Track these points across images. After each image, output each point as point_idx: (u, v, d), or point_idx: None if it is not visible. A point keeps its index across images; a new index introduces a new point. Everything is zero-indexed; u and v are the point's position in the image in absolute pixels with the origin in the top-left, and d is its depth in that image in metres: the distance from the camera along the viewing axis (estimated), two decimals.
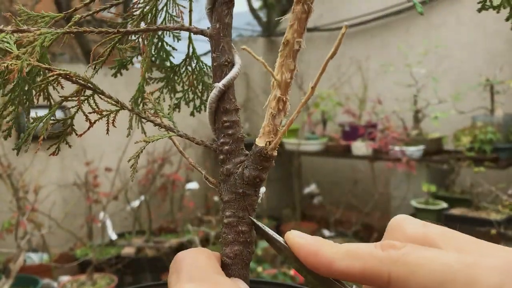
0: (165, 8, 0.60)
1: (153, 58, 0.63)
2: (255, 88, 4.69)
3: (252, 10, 5.28)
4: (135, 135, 0.57)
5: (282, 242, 0.37)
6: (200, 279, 0.32)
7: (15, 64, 0.48)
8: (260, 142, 0.42)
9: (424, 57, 3.56)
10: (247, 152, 0.45)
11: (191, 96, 0.65)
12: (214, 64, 0.46)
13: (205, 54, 2.77)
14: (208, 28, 0.49)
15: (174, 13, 0.62)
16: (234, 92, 0.48)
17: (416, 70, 3.48)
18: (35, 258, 3.15)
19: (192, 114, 0.65)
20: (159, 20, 0.61)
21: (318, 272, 0.32)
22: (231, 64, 0.46)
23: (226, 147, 0.45)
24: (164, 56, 0.63)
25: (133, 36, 0.63)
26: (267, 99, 0.42)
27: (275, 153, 0.42)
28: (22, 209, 2.64)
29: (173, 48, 0.64)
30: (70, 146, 0.57)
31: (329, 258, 0.31)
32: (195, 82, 0.64)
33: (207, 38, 0.48)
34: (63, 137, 0.59)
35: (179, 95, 0.66)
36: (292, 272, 2.79)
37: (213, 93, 0.45)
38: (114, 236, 3.35)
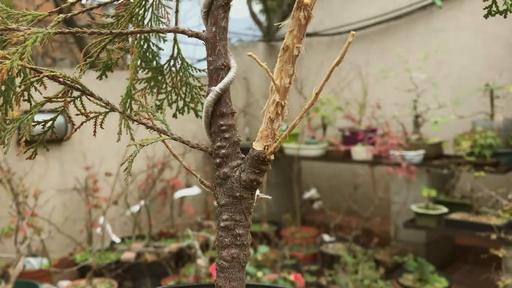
0: (151, 9, 0.59)
1: (139, 60, 0.62)
2: (255, 93, 4.69)
3: (253, 15, 5.29)
4: (135, 138, 0.56)
5: None
6: None
7: (4, 64, 0.45)
8: (257, 146, 0.42)
9: (423, 62, 3.57)
10: (243, 155, 0.45)
11: (174, 97, 0.64)
12: (210, 67, 0.46)
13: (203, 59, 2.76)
14: (204, 31, 0.49)
15: (160, 14, 0.60)
16: (230, 95, 0.48)
17: (416, 75, 3.48)
18: (34, 263, 3.14)
19: (174, 115, 0.64)
20: (145, 21, 0.59)
21: None
22: (228, 68, 0.46)
23: (223, 151, 0.44)
24: (151, 57, 0.63)
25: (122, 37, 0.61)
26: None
27: (273, 157, 0.43)
28: (21, 214, 2.64)
29: (160, 49, 0.63)
30: (48, 150, 0.56)
31: None
32: (179, 83, 0.63)
33: (202, 41, 0.48)
34: (42, 141, 0.57)
35: (162, 96, 0.64)
36: (292, 277, 2.78)
37: (210, 97, 0.44)
38: (117, 239, 3.33)
